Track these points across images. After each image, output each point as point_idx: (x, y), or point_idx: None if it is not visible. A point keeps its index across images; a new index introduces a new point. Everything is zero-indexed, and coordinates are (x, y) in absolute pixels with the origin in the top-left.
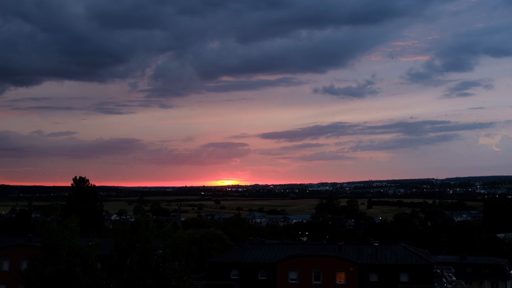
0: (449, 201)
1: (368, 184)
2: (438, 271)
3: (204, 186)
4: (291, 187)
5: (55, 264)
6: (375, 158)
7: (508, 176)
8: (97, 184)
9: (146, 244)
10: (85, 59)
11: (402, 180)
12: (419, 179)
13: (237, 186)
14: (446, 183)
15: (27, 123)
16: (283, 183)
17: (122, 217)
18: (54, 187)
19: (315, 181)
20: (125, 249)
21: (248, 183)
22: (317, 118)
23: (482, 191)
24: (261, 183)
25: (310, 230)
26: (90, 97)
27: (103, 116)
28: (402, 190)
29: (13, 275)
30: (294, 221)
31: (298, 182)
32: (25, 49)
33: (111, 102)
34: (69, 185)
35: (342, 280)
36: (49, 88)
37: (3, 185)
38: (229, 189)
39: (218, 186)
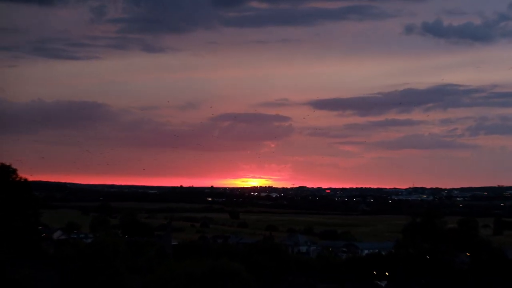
0: None
1: (497, 193)
2: None
3: (212, 187)
4: (362, 193)
5: None
6: (510, 147)
7: None
8: (30, 179)
9: (114, 278)
10: None
11: None
12: None
13: (270, 189)
14: None
15: None
16: (347, 187)
17: (72, 235)
18: None
19: (403, 184)
20: None
21: (288, 185)
22: (409, 76)
23: None
24: (310, 185)
25: (393, 268)
26: (24, 30)
27: (45, 62)
28: None
29: None
30: (366, 252)
31: (374, 186)
32: None
33: (60, 39)
34: None
35: None
36: None
37: None
38: (256, 193)
39: (237, 189)
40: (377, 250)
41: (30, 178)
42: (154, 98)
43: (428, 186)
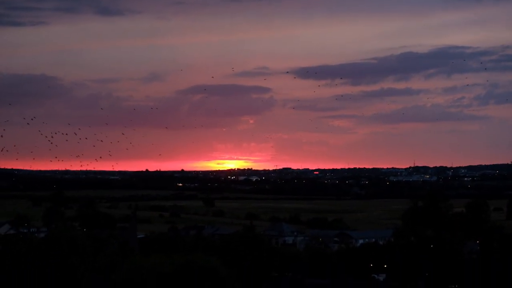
0: None
1: (511, 171)
2: None
3: (183, 170)
4: (355, 174)
5: None
6: None
7: None
8: None
9: (71, 279)
10: None
11: None
12: None
13: (249, 172)
14: None
15: None
16: (338, 167)
17: (22, 230)
18: None
19: (402, 163)
20: None
21: (269, 167)
22: (408, 38)
23: None
24: (295, 166)
25: (392, 259)
26: None
27: None
28: None
29: None
30: (361, 241)
31: (369, 166)
32: None
33: (0, 3)
34: None
35: None
36: None
37: None
38: (233, 177)
39: (211, 172)
40: (373, 240)
41: None
42: (112, 70)
43: (431, 165)
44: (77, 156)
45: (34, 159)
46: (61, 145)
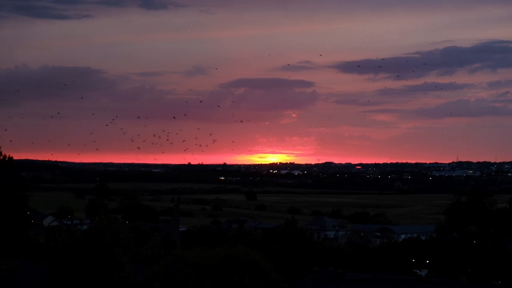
0: None
1: None
2: None
3: (225, 164)
4: (398, 169)
5: None
6: None
7: None
8: (15, 157)
9: (113, 271)
10: None
11: None
12: None
13: (291, 166)
14: None
15: None
16: (381, 162)
17: (66, 221)
18: None
19: (445, 158)
20: (70, 282)
21: (312, 161)
22: (452, 32)
23: None
24: (337, 160)
25: (435, 255)
26: None
27: (30, 22)
28: None
29: None
30: (403, 236)
31: (412, 161)
32: None
33: None
34: None
35: None
36: None
37: None
38: (275, 171)
39: (254, 166)
40: (415, 235)
41: (15, 157)
42: (156, 63)
43: (475, 160)
44: (120, 148)
45: (78, 151)
46: (104, 136)
